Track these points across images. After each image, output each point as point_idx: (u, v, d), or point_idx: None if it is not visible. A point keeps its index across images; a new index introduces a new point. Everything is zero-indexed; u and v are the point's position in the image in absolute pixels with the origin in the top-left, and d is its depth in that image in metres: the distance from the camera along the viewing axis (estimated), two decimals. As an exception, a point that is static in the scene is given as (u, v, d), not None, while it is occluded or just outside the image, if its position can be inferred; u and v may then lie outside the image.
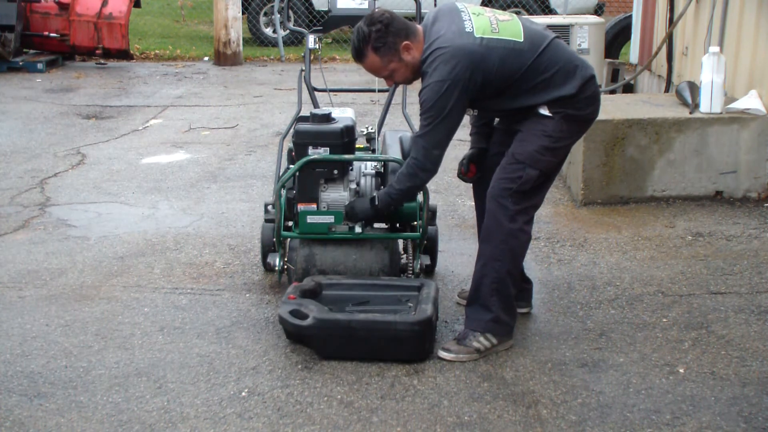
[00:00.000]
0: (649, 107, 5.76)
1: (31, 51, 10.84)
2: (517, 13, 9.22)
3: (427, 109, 3.38)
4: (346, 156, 3.83)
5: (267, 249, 4.21)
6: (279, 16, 5.95)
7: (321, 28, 4.74)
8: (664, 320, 3.86)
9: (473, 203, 3.98)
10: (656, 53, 7.34)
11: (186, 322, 3.83)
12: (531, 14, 11.54)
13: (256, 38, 12.83)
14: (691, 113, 5.52)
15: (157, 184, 5.98)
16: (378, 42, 3.43)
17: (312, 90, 4.64)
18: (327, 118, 3.89)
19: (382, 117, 4.68)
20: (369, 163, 3.99)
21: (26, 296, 4.10)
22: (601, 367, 3.44)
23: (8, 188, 5.83)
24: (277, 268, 3.94)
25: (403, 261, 4.03)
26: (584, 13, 10.86)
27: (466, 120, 3.65)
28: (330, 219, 3.81)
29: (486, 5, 11.52)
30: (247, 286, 4.24)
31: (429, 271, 4.28)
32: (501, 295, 3.51)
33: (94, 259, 4.58)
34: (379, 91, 4.63)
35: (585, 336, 3.71)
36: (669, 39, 7.15)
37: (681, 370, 3.40)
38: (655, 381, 3.32)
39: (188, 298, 4.09)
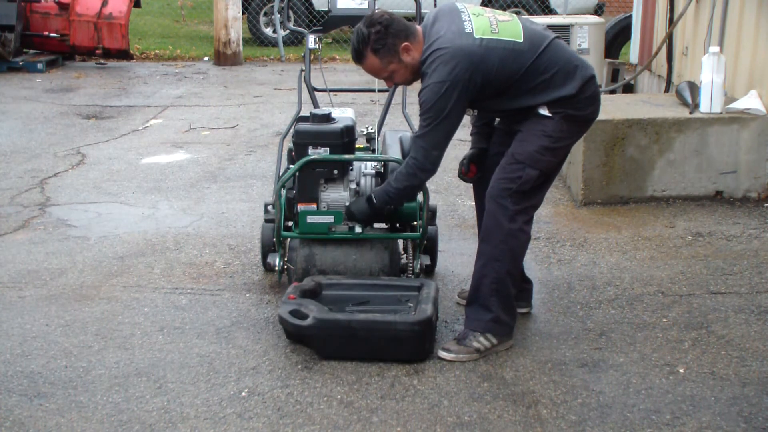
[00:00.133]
0: (649, 107, 5.76)
1: (31, 51, 10.84)
2: (517, 13, 9.23)
3: (427, 109, 3.38)
4: (346, 156, 3.83)
5: (267, 249, 4.21)
6: (279, 16, 5.94)
7: (321, 28, 4.74)
8: (664, 320, 3.86)
9: (473, 203, 3.99)
10: (656, 53, 7.34)
11: (186, 322, 3.83)
12: (531, 14, 11.54)
13: (256, 38, 12.83)
14: (691, 113, 5.52)
15: (157, 184, 5.98)
16: (377, 43, 3.43)
17: (312, 90, 4.64)
18: (327, 118, 3.89)
19: (382, 117, 4.68)
20: (369, 163, 3.99)
21: (26, 296, 4.10)
22: (601, 367, 3.44)
23: (8, 188, 5.83)
24: (277, 268, 3.94)
25: (403, 261, 4.03)
26: (584, 13, 10.86)
27: (467, 120, 3.65)
28: (330, 219, 3.81)
29: (486, 5, 11.52)
30: (247, 286, 4.24)
31: (429, 271, 4.28)
32: (501, 295, 3.51)
33: (94, 259, 4.58)
34: (379, 91, 4.62)
35: (585, 336, 3.71)
36: (669, 39, 7.15)
37: (681, 370, 3.40)
38: (655, 381, 3.32)
39: (188, 298, 4.09)
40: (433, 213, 4.37)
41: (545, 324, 3.83)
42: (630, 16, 9.31)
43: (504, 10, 10.46)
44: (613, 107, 5.69)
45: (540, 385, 3.30)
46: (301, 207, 3.84)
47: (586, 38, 8.43)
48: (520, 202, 3.47)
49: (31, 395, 3.21)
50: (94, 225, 5.13)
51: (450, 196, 5.68)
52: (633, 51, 8.81)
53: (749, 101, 5.46)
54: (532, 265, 4.39)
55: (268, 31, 12.80)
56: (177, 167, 6.41)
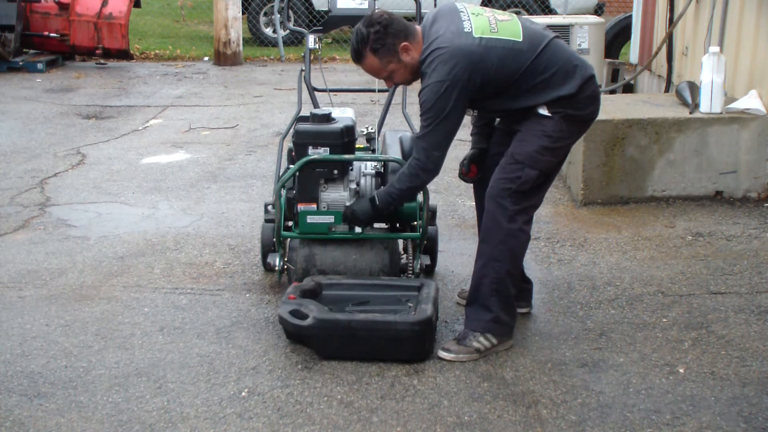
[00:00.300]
0: (649, 107, 5.76)
1: (31, 51, 10.84)
2: (517, 13, 9.22)
3: (427, 110, 3.38)
4: (346, 156, 3.83)
5: (267, 249, 4.21)
6: (279, 16, 5.95)
7: (321, 28, 4.74)
8: (664, 320, 3.86)
9: (473, 203, 3.99)
10: (656, 53, 7.34)
11: (186, 322, 3.83)
12: (531, 14, 11.54)
13: (256, 38, 12.83)
14: (691, 113, 5.52)
15: (157, 184, 5.98)
16: (376, 43, 3.43)
17: (312, 90, 4.64)
18: (327, 118, 3.89)
19: (382, 117, 4.68)
20: (369, 163, 3.99)
21: (26, 296, 4.10)
22: (601, 367, 3.44)
23: (8, 188, 5.83)
24: (277, 268, 3.94)
25: (403, 261, 4.03)
26: (584, 13, 10.86)
27: (467, 120, 3.65)
28: (330, 219, 3.81)
29: (486, 5, 11.52)
30: (247, 286, 4.24)
31: (429, 271, 4.28)
32: (501, 295, 3.51)
33: (94, 259, 4.58)
34: (379, 91, 4.63)
35: (585, 336, 3.71)
36: (669, 39, 7.15)
37: (681, 370, 3.40)
38: (655, 381, 3.32)
39: (188, 298, 4.09)
40: (433, 213, 4.37)
41: (545, 324, 3.83)
42: (630, 16, 9.31)
43: (504, 9, 10.46)
44: (613, 107, 5.69)
45: (540, 385, 3.30)
46: (301, 207, 3.84)
47: (586, 38, 8.43)
48: (520, 202, 3.47)
49: (31, 395, 3.21)
50: (94, 225, 5.13)
51: (450, 196, 5.68)
52: (633, 51, 8.80)
53: (749, 101, 5.46)
54: (532, 265, 4.39)
55: (268, 31, 12.81)
56: (177, 167, 6.41)
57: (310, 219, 3.81)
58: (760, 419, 3.06)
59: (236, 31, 11.27)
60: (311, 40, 4.55)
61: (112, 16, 10.44)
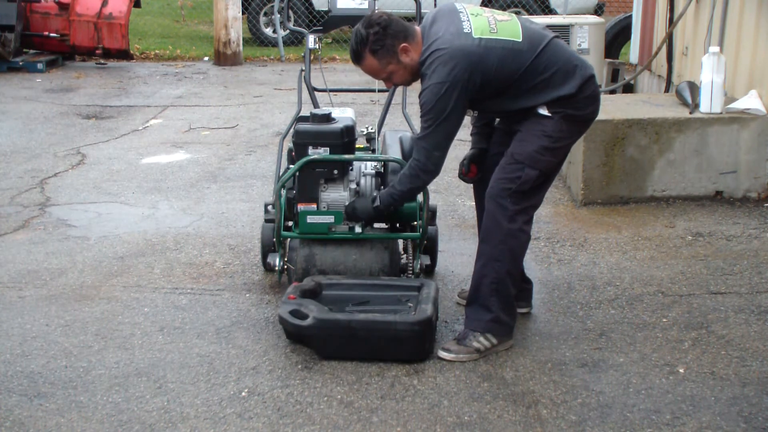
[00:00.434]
0: (649, 107, 5.76)
1: (31, 51, 10.84)
2: (517, 13, 9.22)
3: (427, 111, 3.38)
4: (346, 156, 3.83)
5: (267, 249, 4.21)
6: (279, 16, 5.95)
7: (321, 28, 4.74)
8: (664, 320, 3.86)
9: (473, 203, 3.99)
10: (656, 53, 7.34)
11: (186, 322, 3.83)
12: (531, 14, 11.54)
13: (256, 38, 12.83)
14: (691, 113, 5.52)
15: (157, 184, 5.98)
16: (375, 45, 3.43)
17: (312, 90, 4.64)
18: (327, 118, 3.89)
19: (382, 117, 4.68)
20: (369, 163, 3.99)
21: (26, 296, 4.10)
22: (601, 367, 3.44)
23: (8, 188, 5.83)
24: (277, 268, 3.94)
25: (403, 261, 4.03)
26: (584, 13, 10.86)
27: (467, 120, 3.65)
28: (330, 219, 3.81)
29: (486, 5, 11.52)
30: (247, 286, 4.24)
31: (429, 271, 4.28)
32: (501, 295, 3.51)
33: (94, 259, 4.58)
34: (379, 91, 4.62)
35: (585, 336, 3.71)
36: (669, 39, 7.15)
37: (681, 370, 3.40)
38: (655, 381, 3.32)
39: (188, 298, 4.09)
40: (433, 213, 4.37)
41: (545, 324, 3.83)
42: (630, 16, 9.31)
43: (504, 10, 10.46)
44: (613, 107, 5.69)
45: (540, 385, 3.30)
46: (301, 207, 3.84)
47: (586, 38, 8.43)
48: (520, 202, 3.47)
49: (31, 395, 3.21)
50: (94, 225, 5.13)
51: (450, 196, 5.68)
52: (633, 51, 8.81)
53: (749, 101, 5.46)
54: (532, 265, 4.39)
55: (268, 31, 12.80)
56: (177, 167, 6.41)
57: (310, 219, 3.81)
58: (760, 419, 3.06)
59: (236, 31, 11.27)
60: (311, 40, 4.55)
61: (112, 16, 10.44)
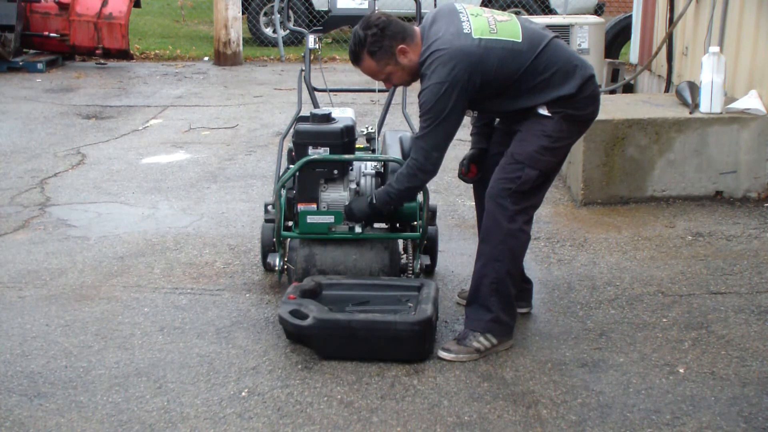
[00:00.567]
0: (649, 107, 5.76)
1: (31, 51, 10.84)
2: (517, 13, 9.23)
3: (427, 111, 3.38)
4: (346, 156, 3.83)
5: (267, 249, 4.21)
6: (279, 16, 5.95)
7: (321, 28, 4.74)
8: (664, 320, 3.86)
9: (473, 203, 3.99)
10: (656, 53, 7.34)
11: (186, 322, 3.83)
12: (531, 14, 11.54)
13: (256, 38, 12.83)
14: (691, 113, 5.52)
15: (157, 184, 5.98)
16: (374, 46, 3.43)
17: (312, 90, 4.65)
18: (327, 118, 3.89)
19: (382, 117, 4.68)
20: (369, 163, 3.99)
21: (26, 296, 4.10)
22: (601, 367, 3.44)
23: (8, 188, 5.83)
24: (277, 268, 3.94)
25: (403, 261, 4.03)
26: (584, 13, 10.86)
27: (467, 120, 3.65)
28: (330, 219, 3.81)
29: (486, 5, 11.52)
30: (247, 286, 4.24)
31: (429, 271, 4.28)
32: (501, 295, 3.51)
33: (94, 259, 4.58)
34: (379, 91, 4.62)
35: (585, 336, 3.71)
36: (669, 39, 7.15)
37: (681, 370, 3.40)
38: (655, 381, 3.32)
39: (188, 298, 4.09)
40: (433, 213, 4.37)
41: (545, 324, 3.83)
42: (630, 16, 9.31)
43: (504, 10, 10.47)
44: (613, 107, 5.69)
45: (540, 385, 3.30)
46: (301, 207, 3.84)
47: (586, 38, 8.43)
48: (520, 202, 3.47)
49: (31, 395, 3.21)
50: (94, 225, 5.13)
51: (450, 196, 5.68)
52: (633, 51, 8.80)
53: (749, 101, 5.46)
54: (532, 265, 4.39)
55: (268, 31, 12.80)
56: (177, 167, 6.41)
57: (310, 219, 3.81)
58: (760, 419, 3.06)
59: (236, 31, 11.27)
60: (311, 40, 4.55)
61: (112, 16, 10.44)
